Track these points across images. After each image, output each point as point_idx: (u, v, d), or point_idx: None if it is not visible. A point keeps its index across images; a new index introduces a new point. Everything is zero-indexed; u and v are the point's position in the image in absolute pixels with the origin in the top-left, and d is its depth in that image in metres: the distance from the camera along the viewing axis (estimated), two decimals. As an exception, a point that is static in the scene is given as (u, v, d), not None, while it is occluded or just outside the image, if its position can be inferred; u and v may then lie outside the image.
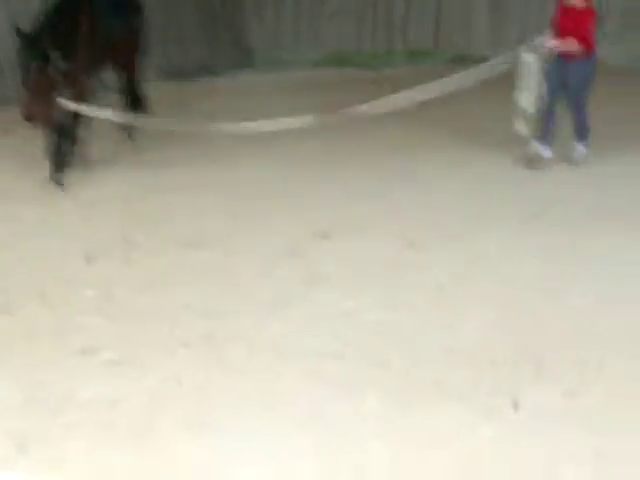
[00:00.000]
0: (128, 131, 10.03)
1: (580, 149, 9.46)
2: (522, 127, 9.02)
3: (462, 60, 14.19)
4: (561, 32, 9.12)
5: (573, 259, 6.94)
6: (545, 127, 9.33)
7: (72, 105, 8.65)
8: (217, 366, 5.41)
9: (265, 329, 5.87)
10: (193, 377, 5.31)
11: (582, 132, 9.42)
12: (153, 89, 13.46)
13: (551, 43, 8.98)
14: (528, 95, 8.91)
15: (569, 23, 9.14)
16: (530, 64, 8.88)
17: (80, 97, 8.82)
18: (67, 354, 5.58)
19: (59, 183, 8.82)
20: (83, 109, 8.77)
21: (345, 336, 5.74)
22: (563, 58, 9.08)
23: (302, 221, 7.91)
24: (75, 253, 7.24)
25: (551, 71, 9.05)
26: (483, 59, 9.32)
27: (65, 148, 8.93)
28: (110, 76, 9.86)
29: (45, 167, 8.85)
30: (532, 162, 9.33)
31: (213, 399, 5.09)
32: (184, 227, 7.80)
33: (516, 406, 4.89)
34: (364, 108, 8.54)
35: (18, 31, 8.34)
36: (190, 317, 6.04)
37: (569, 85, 9.18)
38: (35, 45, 8.32)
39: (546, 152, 9.40)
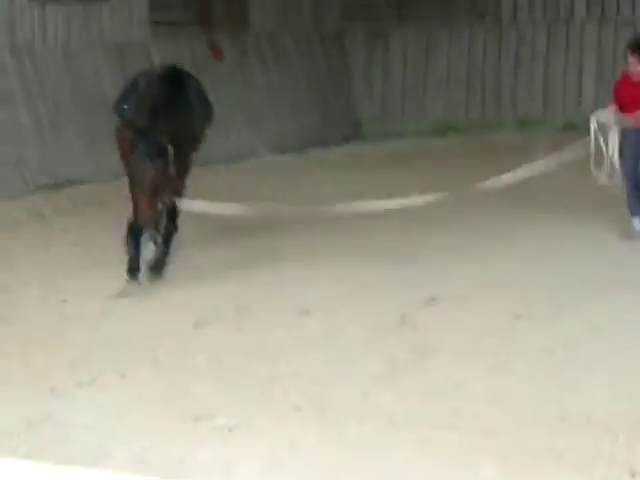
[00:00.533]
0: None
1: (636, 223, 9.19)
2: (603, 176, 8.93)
3: (573, 128, 14.09)
4: (629, 104, 8.99)
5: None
6: (633, 199, 9.16)
7: (199, 204, 8.32)
8: (329, 433, 5.38)
9: (376, 398, 5.83)
10: (305, 444, 5.28)
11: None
12: (266, 164, 13.92)
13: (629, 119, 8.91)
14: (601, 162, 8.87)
15: (633, 96, 8.98)
16: (597, 131, 8.87)
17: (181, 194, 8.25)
18: (180, 420, 5.61)
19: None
20: (209, 206, 8.45)
21: (456, 405, 5.67)
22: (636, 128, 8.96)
23: (410, 289, 7.93)
24: (186, 320, 7.32)
25: (628, 144, 8.96)
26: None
27: (167, 246, 8.30)
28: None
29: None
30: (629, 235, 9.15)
31: (326, 466, 5.06)
32: (295, 295, 7.85)
33: (634, 475, 4.75)
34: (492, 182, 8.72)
35: (131, 121, 7.80)
36: (301, 384, 6.04)
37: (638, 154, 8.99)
38: (154, 138, 7.70)
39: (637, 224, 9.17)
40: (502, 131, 16.87)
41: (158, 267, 8.25)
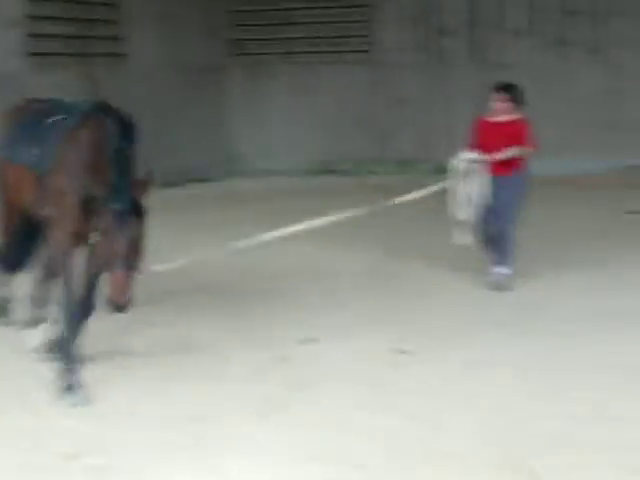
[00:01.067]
0: None
1: (498, 271, 9.13)
2: (460, 236, 8.95)
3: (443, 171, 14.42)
4: (489, 148, 8.94)
5: (560, 366, 7.02)
6: (492, 246, 9.10)
7: None
8: (205, 470, 5.35)
9: (251, 433, 5.83)
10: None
11: (503, 255, 9.08)
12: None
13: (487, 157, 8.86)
14: (459, 203, 8.88)
15: (497, 138, 8.95)
16: (457, 173, 8.88)
17: None
18: (47, 458, 5.50)
19: None
20: None
21: (331, 440, 5.70)
22: (493, 174, 8.87)
23: (290, 328, 7.99)
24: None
25: (493, 190, 8.87)
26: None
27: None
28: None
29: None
30: (492, 284, 9.13)
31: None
32: (175, 334, 7.82)
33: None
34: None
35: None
36: (178, 422, 5.99)
37: (498, 200, 8.89)
38: (128, 196, 6.25)
39: (502, 270, 9.10)
40: (379, 171, 17.13)
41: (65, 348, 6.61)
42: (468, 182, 8.90)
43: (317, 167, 17.72)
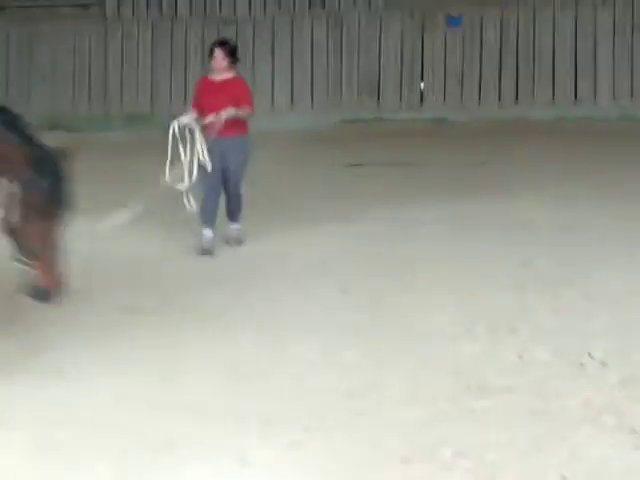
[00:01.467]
0: None
1: (235, 228, 9.24)
2: (187, 201, 8.90)
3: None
4: (210, 108, 8.80)
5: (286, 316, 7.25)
6: (208, 208, 9.00)
7: None
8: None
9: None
10: None
11: (236, 212, 9.18)
12: None
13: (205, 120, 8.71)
14: (180, 171, 8.78)
15: (215, 98, 8.78)
16: (176, 138, 8.68)
17: None
18: None
19: None
20: None
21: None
22: (218, 136, 8.74)
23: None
24: None
25: (213, 153, 8.75)
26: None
27: None
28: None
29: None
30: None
31: None
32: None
33: (243, 462, 4.93)
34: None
35: None
36: None
37: (226, 163, 8.83)
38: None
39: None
40: (110, 128, 16.88)
41: None
42: (189, 146, 8.74)
43: (45, 124, 17.26)
